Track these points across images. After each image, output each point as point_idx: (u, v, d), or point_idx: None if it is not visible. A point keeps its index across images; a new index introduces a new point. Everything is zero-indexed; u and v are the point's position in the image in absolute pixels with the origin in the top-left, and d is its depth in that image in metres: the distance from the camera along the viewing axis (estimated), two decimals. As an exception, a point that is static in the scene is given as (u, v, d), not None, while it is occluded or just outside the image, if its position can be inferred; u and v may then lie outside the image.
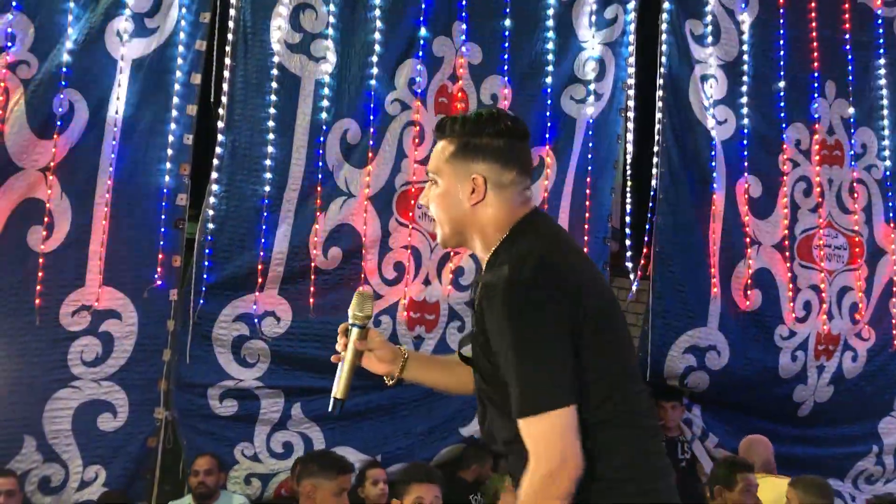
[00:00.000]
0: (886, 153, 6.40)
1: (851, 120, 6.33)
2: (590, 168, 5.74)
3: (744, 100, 6.08)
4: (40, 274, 4.69)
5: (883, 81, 6.38)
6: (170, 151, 5.00)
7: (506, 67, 5.59)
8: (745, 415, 6.04)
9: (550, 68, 5.70)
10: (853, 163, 6.32)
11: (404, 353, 2.08)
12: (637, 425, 1.82)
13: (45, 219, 4.73)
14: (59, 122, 4.76)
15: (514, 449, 1.84)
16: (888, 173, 6.39)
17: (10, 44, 4.67)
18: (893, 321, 6.30)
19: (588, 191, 5.74)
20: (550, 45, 5.71)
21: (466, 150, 1.88)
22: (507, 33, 5.61)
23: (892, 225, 6.36)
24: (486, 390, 1.89)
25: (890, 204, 6.37)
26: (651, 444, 1.86)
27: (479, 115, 1.92)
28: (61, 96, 4.75)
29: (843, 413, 6.25)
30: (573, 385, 1.72)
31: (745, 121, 6.06)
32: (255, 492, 5.02)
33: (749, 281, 5.97)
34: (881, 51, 6.38)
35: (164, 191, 4.99)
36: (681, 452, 5.66)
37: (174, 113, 5.02)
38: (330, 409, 1.94)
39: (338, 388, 1.96)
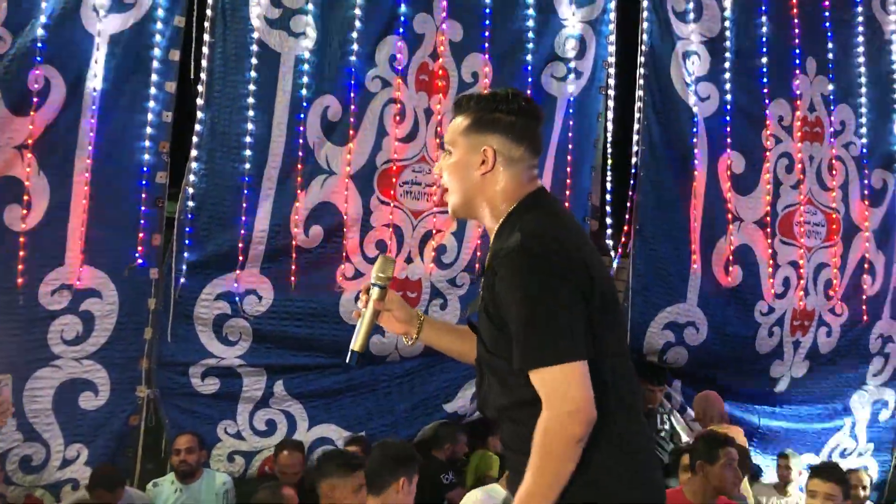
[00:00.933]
0: (863, 131, 6.45)
1: (831, 97, 6.37)
2: (570, 146, 5.75)
3: (727, 76, 6.10)
4: (21, 253, 4.65)
5: (861, 59, 6.42)
6: (149, 129, 4.95)
7: (486, 45, 5.57)
8: (723, 390, 6.12)
9: (531, 46, 5.68)
10: (832, 140, 6.37)
11: (420, 316, 2.20)
12: (631, 403, 1.92)
13: (24, 197, 4.68)
14: (35, 99, 4.68)
15: (507, 416, 1.94)
16: (865, 150, 6.44)
17: (-17, 19, 4.60)
18: (864, 297, 6.40)
19: (569, 168, 5.76)
20: (531, 23, 5.69)
21: (480, 124, 1.99)
22: (487, 10, 5.58)
23: (866, 202, 6.43)
24: (486, 357, 1.97)
25: (865, 181, 6.44)
26: (641, 422, 1.96)
27: (496, 93, 2.04)
28: (37, 72, 4.68)
29: (818, 387, 6.37)
30: (587, 340, 1.80)
31: (729, 97, 6.10)
32: (239, 469, 5.05)
33: (730, 257, 6.03)
34: (860, 28, 6.42)
35: (144, 169, 4.95)
36: (660, 423, 5.79)
37: (153, 90, 4.96)
38: (347, 360, 2.10)
39: (355, 342, 2.11)
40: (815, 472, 4.25)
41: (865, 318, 6.41)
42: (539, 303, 1.80)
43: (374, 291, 2.11)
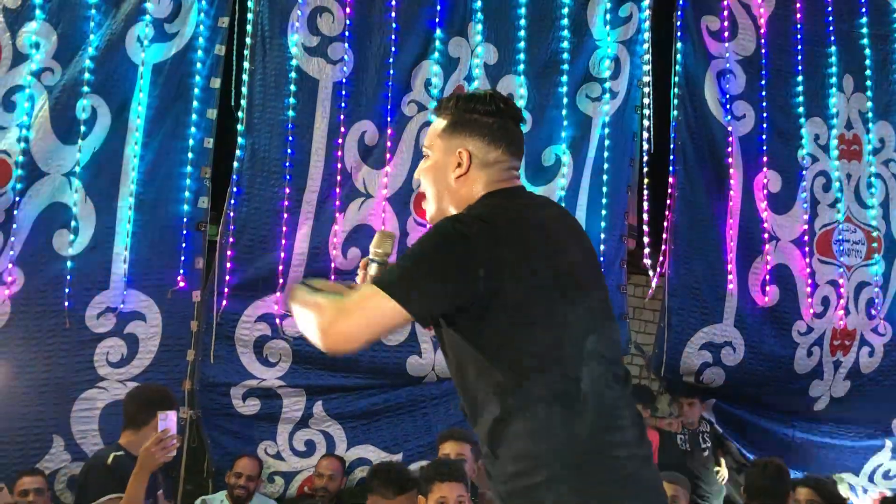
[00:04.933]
0: (904, 147, 6.37)
1: (869, 114, 6.31)
2: (606, 166, 5.76)
3: (762, 94, 6.07)
4: (67, 277, 4.78)
5: (901, 75, 6.35)
6: (191, 155, 5.07)
7: (521, 67, 5.62)
8: (761, 407, 6.08)
9: (566, 67, 5.71)
10: (871, 157, 6.31)
11: None
12: (579, 408, 1.73)
13: (71, 223, 4.81)
14: (82, 127, 4.82)
15: (476, 410, 1.82)
16: (906, 168, 6.37)
17: (34, 51, 4.75)
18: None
19: (605, 188, 5.76)
20: (565, 44, 5.73)
21: (456, 126, 1.93)
22: (522, 33, 5.63)
23: (908, 219, 6.35)
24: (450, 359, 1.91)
25: (907, 198, 6.36)
26: (612, 438, 1.74)
27: (473, 94, 1.98)
28: (84, 102, 4.82)
29: (859, 408, 6.26)
30: (423, 302, 1.74)
31: (764, 115, 6.06)
32: (279, 489, 5.12)
33: (767, 277, 5.98)
34: (899, 44, 6.36)
35: (186, 194, 5.06)
36: (702, 442, 5.75)
37: (194, 117, 5.08)
38: None
39: None
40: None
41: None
42: (418, 252, 1.77)
43: (372, 267, 2.01)
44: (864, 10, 6.29)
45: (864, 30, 6.29)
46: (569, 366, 1.74)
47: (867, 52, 6.28)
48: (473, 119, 1.92)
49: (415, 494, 3.43)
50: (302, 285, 1.88)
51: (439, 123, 1.97)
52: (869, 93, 6.28)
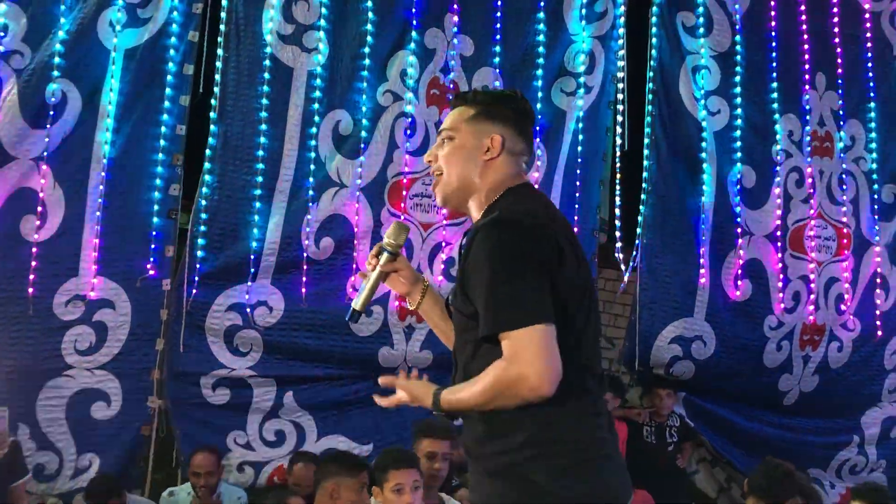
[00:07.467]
0: (873, 146, 6.46)
1: (840, 112, 6.39)
2: (579, 160, 5.78)
3: (737, 90, 6.12)
4: (33, 263, 4.71)
5: (871, 75, 6.44)
6: (162, 142, 5.02)
7: (497, 60, 5.62)
8: (731, 401, 6.13)
9: (541, 61, 5.72)
10: (842, 154, 6.38)
11: (426, 283, 2.23)
12: (586, 397, 1.90)
13: (39, 208, 4.74)
14: (52, 112, 4.76)
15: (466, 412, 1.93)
16: (874, 166, 6.45)
17: (2, 34, 4.68)
18: (878, 312, 6.37)
19: (578, 182, 5.78)
20: (541, 38, 5.74)
21: (488, 114, 2.05)
22: (498, 25, 5.63)
23: (877, 217, 6.43)
24: (457, 346, 1.99)
25: (876, 196, 6.44)
26: (596, 420, 1.91)
27: (502, 91, 2.23)
28: (54, 86, 4.76)
29: (828, 403, 6.33)
30: (551, 307, 1.80)
31: (739, 111, 6.11)
32: (248, 479, 5.08)
33: (739, 271, 6.03)
34: (868, 44, 6.44)
35: (158, 181, 5.01)
36: (668, 436, 5.78)
37: (167, 103, 5.03)
38: (347, 317, 2.18)
39: (357, 301, 2.18)
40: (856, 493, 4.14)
41: (880, 333, 6.38)
42: (504, 272, 1.80)
43: (384, 257, 2.15)
44: (835, 9, 6.37)
45: (836, 30, 6.36)
46: (582, 358, 1.89)
47: (838, 51, 6.36)
48: (502, 110, 2.05)
49: (367, 475, 3.58)
50: (446, 392, 1.94)
51: (465, 111, 2.06)
52: (840, 91, 6.36)
